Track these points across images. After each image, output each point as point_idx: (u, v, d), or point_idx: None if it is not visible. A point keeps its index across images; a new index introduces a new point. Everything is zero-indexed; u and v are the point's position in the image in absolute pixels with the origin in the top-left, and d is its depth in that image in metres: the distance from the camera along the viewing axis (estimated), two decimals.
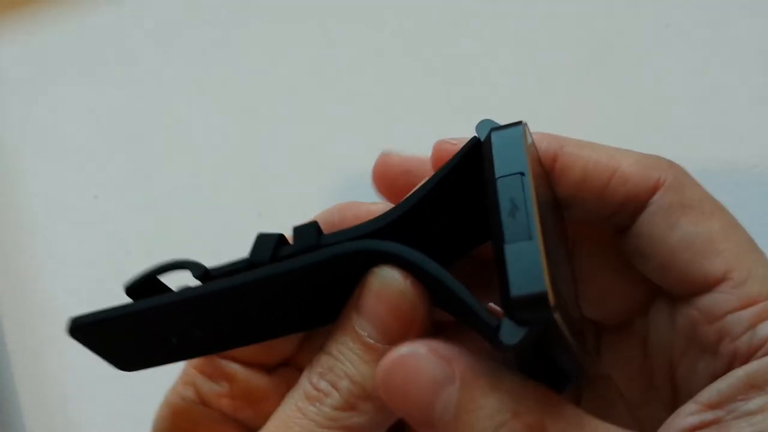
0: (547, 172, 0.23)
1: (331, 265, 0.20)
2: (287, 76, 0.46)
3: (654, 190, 0.23)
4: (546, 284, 0.17)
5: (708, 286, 0.22)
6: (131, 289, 0.22)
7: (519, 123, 0.20)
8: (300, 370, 0.23)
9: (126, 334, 0.22)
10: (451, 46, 0.45)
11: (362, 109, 0.45)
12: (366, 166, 0.47)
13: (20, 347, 0.45)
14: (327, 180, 0.44)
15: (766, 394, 0.20)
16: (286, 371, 0.26)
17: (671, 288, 0.23)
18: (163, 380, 0.43)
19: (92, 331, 0.21)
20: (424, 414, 0.18)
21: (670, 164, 0.23)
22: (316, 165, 0.45)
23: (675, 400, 0.23)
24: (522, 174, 0.19)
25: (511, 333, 0.17)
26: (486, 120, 0.21)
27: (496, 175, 0.19)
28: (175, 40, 0.48)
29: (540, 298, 0.17)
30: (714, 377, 0.21)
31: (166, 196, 0.46)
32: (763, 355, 0.20)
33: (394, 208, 0.21)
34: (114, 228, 0.46)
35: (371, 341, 0.21)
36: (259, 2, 0.48)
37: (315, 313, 0.22)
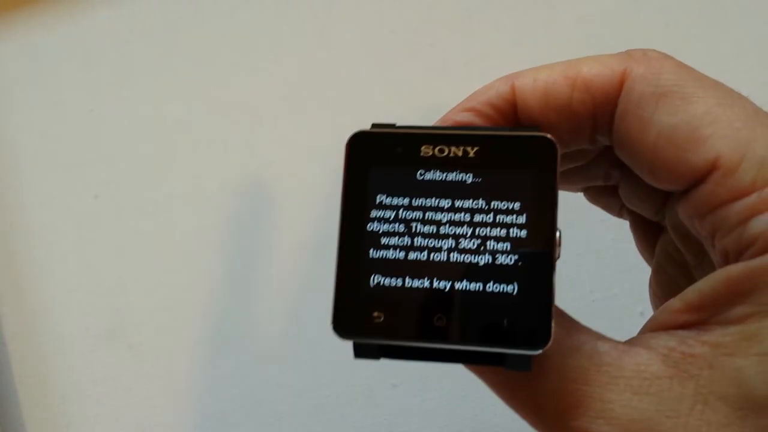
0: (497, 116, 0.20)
1: None
2: (287, 75, 0.46)
3: (621, 86, 0.19)
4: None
5: (696, 180, 0.18)
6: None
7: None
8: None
9: None
10: (451, 46, 0.45)
11: (363, 109, 0.45)
12: None
13: (20, 347, 0.45)
14: (327, 180, 0.44)
15: (747, 305, 0.17)
16: None
17: (668, 190, 0.20)
18: (161, 381, 0.43)
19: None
20: None
21: (644, 53, 0.19)
22: (316, 165, 0.45)
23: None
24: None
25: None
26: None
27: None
28: (174, 40, 0.48)
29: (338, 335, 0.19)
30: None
31: (166, 196, 0.46)
32: (751, 257, 0.17)
33: None
34: (114, 228, 0.46)
35: None
36: (259, 2, 0.48)
37: None
